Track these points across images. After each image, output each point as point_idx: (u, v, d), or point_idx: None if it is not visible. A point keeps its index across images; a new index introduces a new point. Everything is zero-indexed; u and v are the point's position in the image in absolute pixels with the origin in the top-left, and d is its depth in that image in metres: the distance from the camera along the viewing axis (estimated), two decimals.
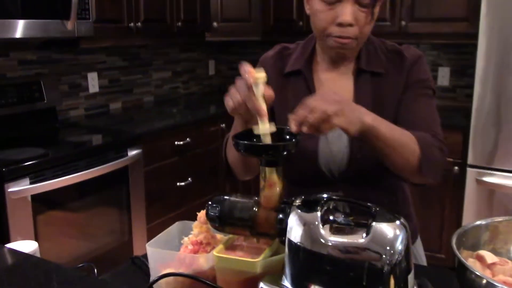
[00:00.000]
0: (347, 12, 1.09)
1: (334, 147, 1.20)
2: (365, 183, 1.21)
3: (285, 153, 0.89)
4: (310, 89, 1.22)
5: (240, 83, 0.96)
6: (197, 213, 1.04)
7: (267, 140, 0.91)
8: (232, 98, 0.97)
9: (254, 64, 0.98)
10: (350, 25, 1.10)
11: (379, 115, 1.02)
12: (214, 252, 0.95)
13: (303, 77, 1.23)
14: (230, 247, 1.00)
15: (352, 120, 0.94)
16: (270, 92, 0.94)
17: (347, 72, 1.23)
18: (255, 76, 0.92)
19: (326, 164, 1.21)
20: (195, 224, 1.05)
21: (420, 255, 1.36)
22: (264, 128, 0.92)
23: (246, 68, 0.92)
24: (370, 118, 0.97)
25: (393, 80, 1.20)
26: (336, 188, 1.19)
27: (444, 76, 3.37)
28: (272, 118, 1.25)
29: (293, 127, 0.92)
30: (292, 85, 1.25)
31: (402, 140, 1.03)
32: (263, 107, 0.92)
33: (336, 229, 0.86)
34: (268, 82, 1.25)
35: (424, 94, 1.20)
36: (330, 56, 1.22)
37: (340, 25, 1.10)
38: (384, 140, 1.00)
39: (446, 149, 1.13)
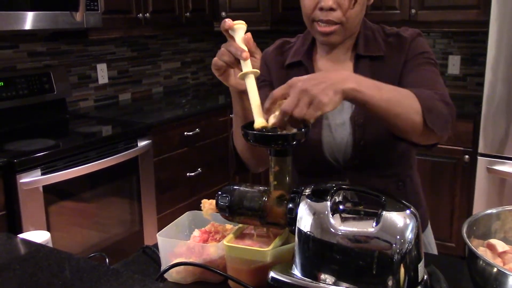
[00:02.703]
0: None
1: (338, 134, 1.20)
2: (372, 171, 1.21)
3: (294, 142, 0.89)
4: None
5: (223, 45, 0.99)
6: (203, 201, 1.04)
7: (270, 122, 0.91)
8: (216, 55, 1.00)
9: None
10: (332, 9, 1.12)
11: None
12: (224, 242, 0.96)
13: (304, 68, 1.24)
14: (240, 236, 1.00)
15: (330, 94, 0.88)
16: (248, 35, 0.98)
17: (345, 59, 1.23)
18: (234, 23, 0.96)
19: (331, 152, 1.21)
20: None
21: (430, 243, 1.36)
22: (247, 68, 0.95)
23: (225, 20, 0.97)
24: (351, 83, 0.91)
25: (393, 62, 1.19)
26: (343, 177, 1.20)
27: (454, 65, 3.34)
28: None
29: (273, 121, 0.90)
30: (294, 76, 1.25)
31: (397, 98, 0.97)
32: (244, 47, 0.96)
33: (346, 218, 0.86)
34: (271, 76, 1.29)
35: (425, 63, 1.17)
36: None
37: (322, 9, 1.13)
38: (376, 102, 0.94)
39: (451, 104, 1.08)
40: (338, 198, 0.89)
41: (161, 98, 3.46)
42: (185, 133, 2.91)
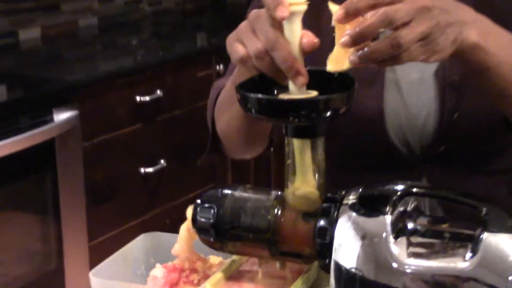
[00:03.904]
0: None
1: (413, 100, 1.20)
2: (468, 165, 1.22)
3: (328, 113, 0.89)
4: None
5: (260, 18, 0.91)
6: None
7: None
8: (246, 43, 0.92)
9: None
10: None
11: None
12: (208, 285, 0.97)
13: None
14: (234, 276, 1.01)
15: (450, 37, 0.89)
16: (311, 37, 0.89)
17: None
18: (291, 3, 0.87)
19: (398, 131, 1.22)
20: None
21: None
22: (300, 93, 0.89)
23: None
24: (475, 35, 0.92)
25: None
26: (417, 173, 1.21)
27: None
28: None
29: (347, 39, 0.86)
30: (329, 14, 1.24)
31: None
32: (300, 60, 0.89)
33: (419, 246, 0.87)
34: None
35: None
36: None
37: None
38: (502, 72, 0.96)
39: None
40: (404, 210, 0.90)
41: (94, 37, 3.47)
42: (138, 97, 2.92)
